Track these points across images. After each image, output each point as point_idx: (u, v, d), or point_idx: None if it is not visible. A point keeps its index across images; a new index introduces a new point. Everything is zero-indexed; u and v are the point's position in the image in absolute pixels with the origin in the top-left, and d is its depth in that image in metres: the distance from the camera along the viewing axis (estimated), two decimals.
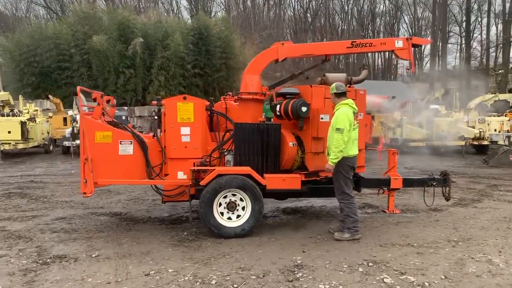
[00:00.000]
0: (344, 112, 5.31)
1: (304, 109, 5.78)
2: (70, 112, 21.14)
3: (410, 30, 61.28)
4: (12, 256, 4.92)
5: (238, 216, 5.61)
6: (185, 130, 5.95)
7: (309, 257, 4.81)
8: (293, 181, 5.86)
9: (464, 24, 49.43)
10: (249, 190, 5.54)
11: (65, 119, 22.13)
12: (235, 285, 4.05)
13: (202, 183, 5.46)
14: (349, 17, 65.15)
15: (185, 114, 5.95)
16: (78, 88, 5.68)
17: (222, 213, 5.58)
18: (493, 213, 7.08)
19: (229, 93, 7.04)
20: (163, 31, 30.58)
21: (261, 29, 54.58)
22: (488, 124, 19.52)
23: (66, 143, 18.13)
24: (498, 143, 18.47)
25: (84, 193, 5.48)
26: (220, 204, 5.57)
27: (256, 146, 5.89)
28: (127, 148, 5.83)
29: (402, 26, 64.84)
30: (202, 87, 32.37)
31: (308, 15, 63.40)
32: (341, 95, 5.48)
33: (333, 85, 5.57)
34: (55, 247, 5.22)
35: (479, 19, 53.37)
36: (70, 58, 29.33)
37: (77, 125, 17.74)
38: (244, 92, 6.16)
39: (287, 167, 6.12)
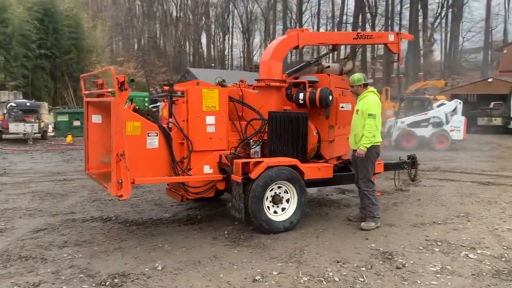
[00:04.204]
0: (375, 99, 5.56)
1: (330, 97, 5.78)
2: None
3: (240, 25, 63.25)
4: (55, 282, 3.83)
5: (283, 209, 5.36)
6: (210, 120, 5.40)
7: (380, 244, 4.89)
8: (327, 169, 5.84)
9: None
10: (296, 182, 5.32)
11: None
12: (361, 279, 3.93)
13: (253, 176, 5.03)
14: (184, 5, 64.52)
15: (210, 102, 5.39)
16: (112, 69, 4.61)
17: (268, 207, 5.25)
18: (446, 190, 8.12)
19: (242, 79, 6.52)
20: None
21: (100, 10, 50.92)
22: None
23: None
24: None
25: (120, 195, 4.51)
26: (267, 198, 5.23)
27: (288, 135, 5.66)
28: (154, 140, 5.03)
29: (234, 21, 66.23)
30: (49, 70, 28.64)
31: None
32: (367, 85, 5.73)
33: (360, 76, 5.74)
34: (94, 265, 4.22)
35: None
36: None
37: None
38: (269, 79, 5.82)
39: (308, 156, 6.05)
